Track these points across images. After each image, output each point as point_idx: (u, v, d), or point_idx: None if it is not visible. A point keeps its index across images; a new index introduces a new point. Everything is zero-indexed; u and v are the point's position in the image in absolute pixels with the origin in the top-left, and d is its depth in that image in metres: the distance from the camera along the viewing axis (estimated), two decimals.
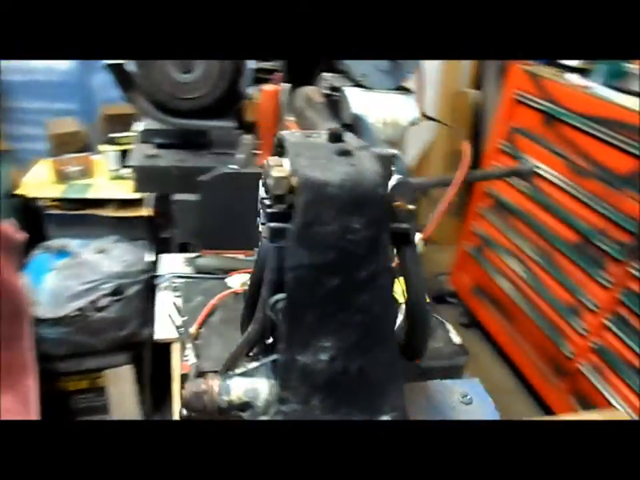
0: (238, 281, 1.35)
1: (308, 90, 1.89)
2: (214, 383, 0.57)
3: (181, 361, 1.11)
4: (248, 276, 1.37)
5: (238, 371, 0.60)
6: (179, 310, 1.27)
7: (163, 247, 1.78)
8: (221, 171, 1.58)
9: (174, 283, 1.47)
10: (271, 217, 0.52)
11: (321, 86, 1.76)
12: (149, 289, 1.79)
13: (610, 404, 1.90)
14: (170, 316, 1.24)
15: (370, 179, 0.46)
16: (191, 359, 1.10)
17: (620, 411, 1.72)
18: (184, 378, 1.10)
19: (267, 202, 0.52)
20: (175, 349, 1.27)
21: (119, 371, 1.93)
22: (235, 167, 1.60)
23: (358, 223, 0.45)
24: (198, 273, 1.53)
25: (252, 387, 0.57)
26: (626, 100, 1.89)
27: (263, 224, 0.63)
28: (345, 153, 0.48)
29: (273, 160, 0.53)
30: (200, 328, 1.20)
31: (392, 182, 1.22)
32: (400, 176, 1.15)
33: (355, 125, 1.39)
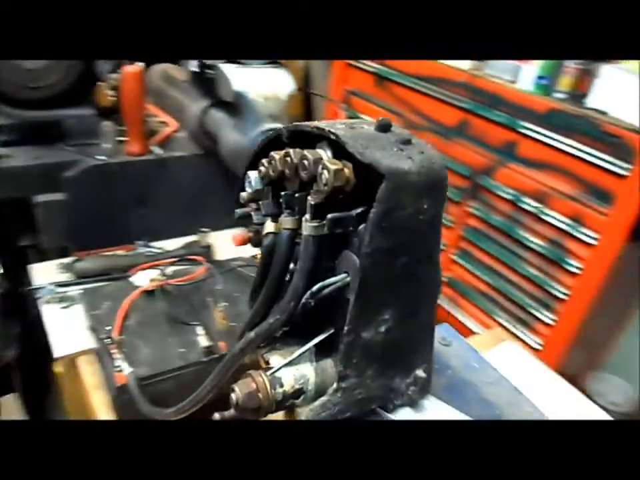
0: (145, 278, 1.27)
1: (166, 68, 1.78)
2: (264, 379, 0.57)
3: (113, 372, 1.03)
4: (155, 272, 1.30)
5: (279, 360, 0.61)
6: (94, 319, 1.15)
7: (20, 257, 1.56)
8: (87, 164, 1.44)
9: (58, 293, 1.32)
10: (324, 209, 0.53)
11: (182, 63, 1.67)
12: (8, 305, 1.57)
13: (467, 327, 2.25)
14: (92, 327, 1.12)
15: (438, 163, 0.50)
16: (125, 367, 1.03)
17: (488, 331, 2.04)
18: (122, 390, 1.03)
19: (315, 195, 0.53)
20: (84, 362, 1.17)
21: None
22: (103, 157, 1.47)
23: (427, 204, 0.50)
24: (81, 277, 1.39)
25: (300, 374, 0.58)
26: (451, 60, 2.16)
27: (271, 216, 0.63)
28: (407, 142, 0.51)
29: (311, 153, 0.53)
30: (120, 334, 1.12)
31: None
32: None
33: (237, 103, 1.38)
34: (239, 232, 0.77)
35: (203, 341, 1.15)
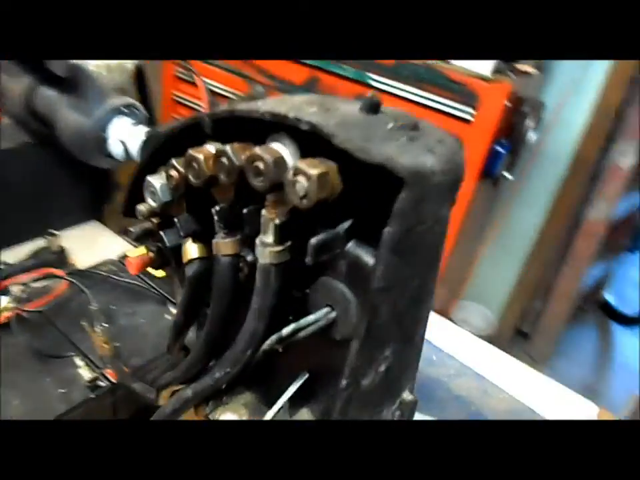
0: None
1: None
2: None
3: None
4: (3, 298, 1.02)
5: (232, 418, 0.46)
6: None
7: None
8: None
9: None
10: (301, 229, 0.37)
11: None
12: None
13: None
14: None
15: (460, 154, 0.37)
16: None
17: None
18: None
19: (278, 210, 0.37)
20: None
21: None
22: None
23: (446, 211, 0.37)
24: None
25: None
26: None
27: (192, 235, 0.46)
28: (414, 127, 0.36)
29: (267, 151, 0.37)
30: None
31: (140, 135, 1.04)
32: (146, 128, 1.00)
33: (73, 77, 1.10)
34: (132, 254, 0.58)
35: (86, 374, 0.91)
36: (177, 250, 0.52)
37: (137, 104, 1.21)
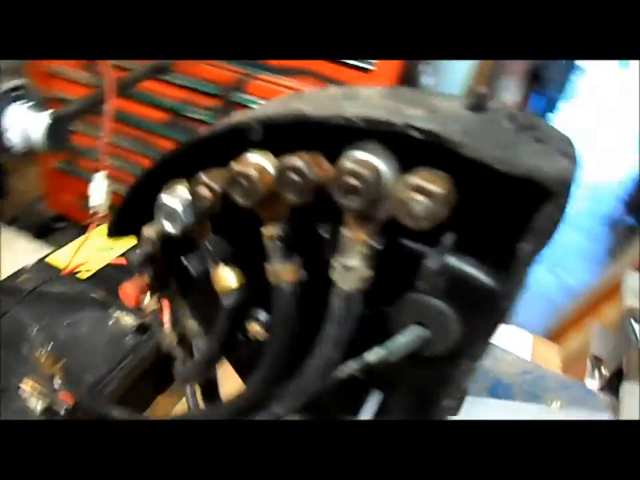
0: None
1: None
2: None
3: None
4: None
5: None
6: None
7: None
8: None
9: None
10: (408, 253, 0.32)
11: None
12: None
13: None
14: None
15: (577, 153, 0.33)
16: None
17: None
18: None
19: (374, 229, 0.32)
20: None
21: None
22: None
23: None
24: None
25: None
26: None
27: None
28: (533, 127, 0.31)
29: (365, 165, 0.31)
30: None
31: (44, 120, 0.91)
32: (47, 110, 0.87)
33: None
34: (129, 283, 0.49)
35: (37, 403, 0.81)
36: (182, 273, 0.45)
37: (29, 83, 1.04)
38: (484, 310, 0.34)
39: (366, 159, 0.31)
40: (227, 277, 0.42)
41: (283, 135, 0.34)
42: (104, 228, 0.60)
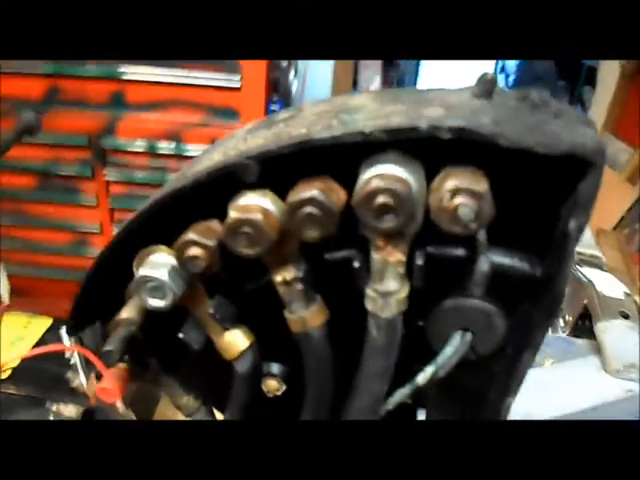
0: None
1: None
2: None
3: None
4: None
5: None
6: None
7: None
8: None
9: None
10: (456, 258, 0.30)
11: None
12: None
13: None
14: None
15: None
16: None
17: None
18: None
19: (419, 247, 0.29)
20: None
21: None
22: None
23: None
24: None
25: None
26: None
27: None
28: (545, 103, 0.29)
29: (393, 179, 0.27)
30: None
31: None
32: None
33: None
34: (106, 379, 0.42)
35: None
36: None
37: None
38: (532, 299, 0.33)
39: (393, 172, 0.28)
40: (236, 340, 0.36)
41: (283, 167, 0.30)
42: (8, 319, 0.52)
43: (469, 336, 0.35)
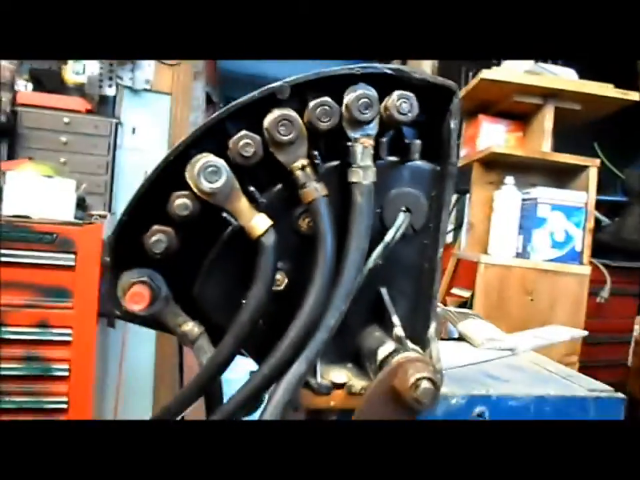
0: None
1: None
2: None
3: None
4: None
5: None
6: None
7: None
8: None
9: None
10: None
11: None
12: None
13: None
14: None
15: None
16: None
17: None
18: None
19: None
20: None
21: None
22: None
23: None
24: None
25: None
26: None
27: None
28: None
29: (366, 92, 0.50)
30: None
31: None
32: None
33: None
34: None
35: None
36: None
37: None
38: (438, 189, 0.57)
39: (370, 93, 0.51)
40: (262, 220, 0.50)
41: (303, 91, 0.51)
42: None
43: (408, 215, 0.56)
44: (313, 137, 0.52)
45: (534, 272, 1.86)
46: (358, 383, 0.52)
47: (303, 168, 0.51)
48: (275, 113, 0.50)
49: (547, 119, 1.84)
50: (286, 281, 0.55)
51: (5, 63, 2.67)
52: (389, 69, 0.53)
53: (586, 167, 1.87)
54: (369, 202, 0.52)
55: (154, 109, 2.88)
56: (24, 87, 2.59)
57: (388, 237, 0.54)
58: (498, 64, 1.92)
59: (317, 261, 0.50)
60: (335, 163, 0.55)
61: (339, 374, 0.53)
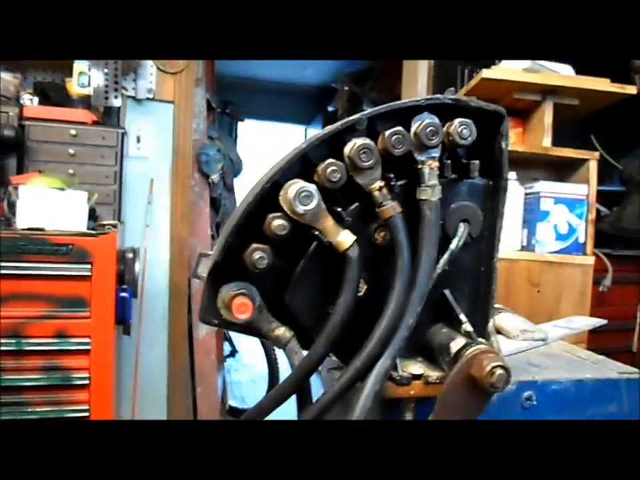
0: None
1: None
2: None
3: None
4: None
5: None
6: None
7: None
8: None
9: None
10: None
11: None
12: None
13: None
14: None
15: None
16: None
17: None
18: None
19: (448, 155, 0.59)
20: None
21: None
22: None
23: None
24: None
25: None
26: None
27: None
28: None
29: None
30: None
31: None
32: None
33: None
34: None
35: None
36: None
37: None
38: (491, 201, 0.64)
39: (434, 121, 0.59)
40: (347, 236, 0.58)
41: (375, 122, 0.59)
42: None
43: (467, 225, 0.64)
44: (386, 161, 0.59)
45: (539, 264, 1.95)
46: (433, 374, 0.60)
47: (380, 189, 0.59)
48: (357, 142, 0.57)
49: (546, 114, 1.92)
50: (365, 287, 0.62)
51: (8, 77, 2.70)
52: (449, 99, 0.60)
53: (586, 160, 1.95)
54: (437, 216, 0.60)
55: (157, 118, 2.93)
56: (29, 101, 2.63)
57: (453, 245, 0.61)
58: (495, 62, 1.99)
59: (396, 269, 0.58)
60: (403, 182, 0.62)
61: (415, 367, 0.61)
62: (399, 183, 0.61)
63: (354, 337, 0.58)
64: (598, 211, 2.21)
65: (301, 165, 0.58)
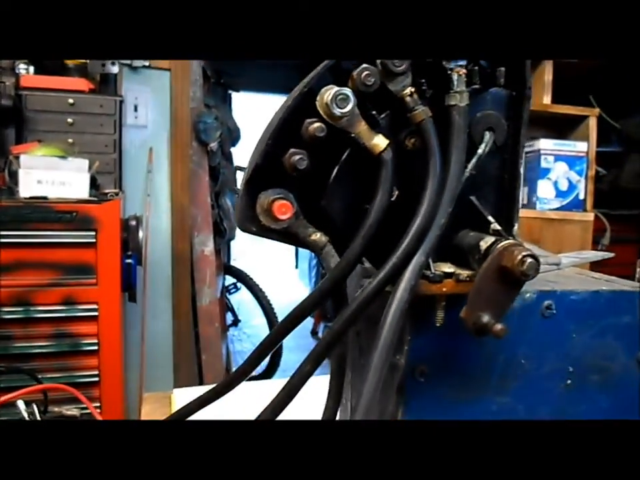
0: None
1: None
2: None
3: None
4: None
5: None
6: None
7: None
8: None
9: None
10: None
11: None
12: None
13: None
14: None
15: None
16: None
17: None
18: None
19: None
20: None
21: None
22: None
23: None
24: None
25: None
26: None
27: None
28: None
29: None
30: None
31: None
32: None
33: None
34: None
35: None
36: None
37: None
38: (514, 111, 0.67)
39: None
40: (381, 140, 0.60)
41: None
42: None
43: (492, 134, 0.66)
44: (417, 68, 0.61)
45: (540, 221, 1.99)
46: (464, 272, 0.63)
47: (411, 94, 0.61)
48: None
49: (546, 72, 1.95)
50: (396, 193, 0.64)
51: None
52: None
53: (585, 117, 1.99)
54: (465, 121, 0.62)
55: (154, 86, 2.92)
56: (25, 70, 2.60)
57: (480, 150, 0.64)
58: None
59: (428, 171, 0.60)
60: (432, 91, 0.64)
61: (446, 266, 0.64)
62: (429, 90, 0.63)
63: (387, 242, 0.60)
64: (597, 172, 2.26)
65: (334, 73, 0.60)
